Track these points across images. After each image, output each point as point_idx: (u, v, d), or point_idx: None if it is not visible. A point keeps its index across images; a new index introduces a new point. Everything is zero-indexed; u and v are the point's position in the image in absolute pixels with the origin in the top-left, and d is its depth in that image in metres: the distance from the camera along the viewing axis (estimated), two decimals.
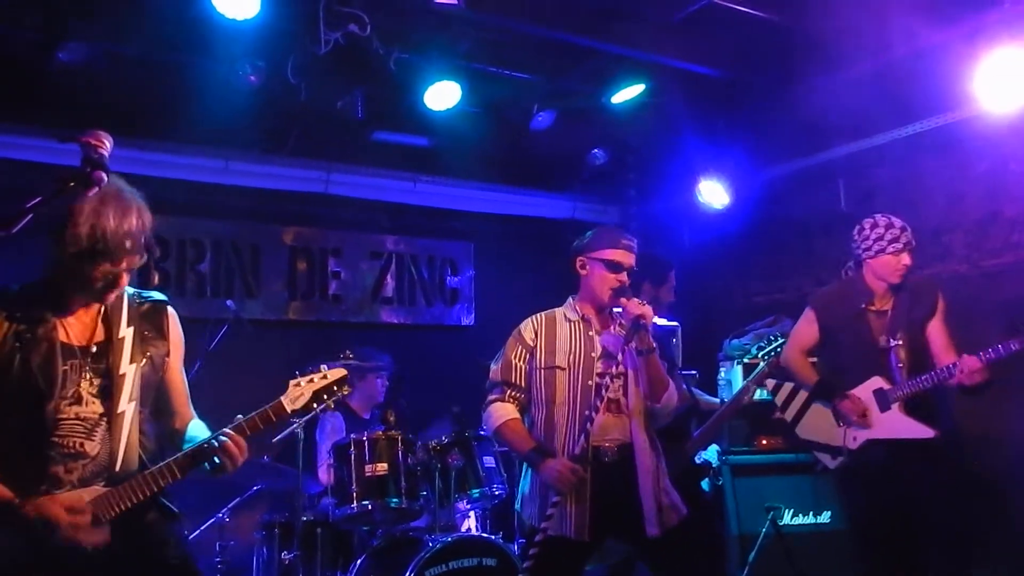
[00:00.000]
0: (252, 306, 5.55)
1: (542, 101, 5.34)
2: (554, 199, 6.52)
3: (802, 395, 4.01)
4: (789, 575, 4.62)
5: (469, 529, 4.68)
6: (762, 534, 4.69)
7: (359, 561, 4.28)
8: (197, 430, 2.46)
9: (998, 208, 4.83)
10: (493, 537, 4.30)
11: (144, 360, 2.37)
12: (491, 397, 3.17)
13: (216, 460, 2.30)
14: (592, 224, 6.57)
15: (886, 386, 3.65)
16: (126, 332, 2.35)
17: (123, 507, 2.24)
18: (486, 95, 5.25)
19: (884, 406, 3.64)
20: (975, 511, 3.83)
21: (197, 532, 4.41)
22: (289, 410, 2.38)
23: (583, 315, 3.16)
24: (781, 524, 4.75)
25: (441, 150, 5.69)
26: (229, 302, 4.81)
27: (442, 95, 4.94)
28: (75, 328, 2.31)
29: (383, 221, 6.12)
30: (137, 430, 2.33)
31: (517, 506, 3.19)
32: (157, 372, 2.43)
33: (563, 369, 3.06)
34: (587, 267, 3.15)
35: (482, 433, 4.56)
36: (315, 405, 2.41)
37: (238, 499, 4.59)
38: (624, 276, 3.09)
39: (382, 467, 4.23)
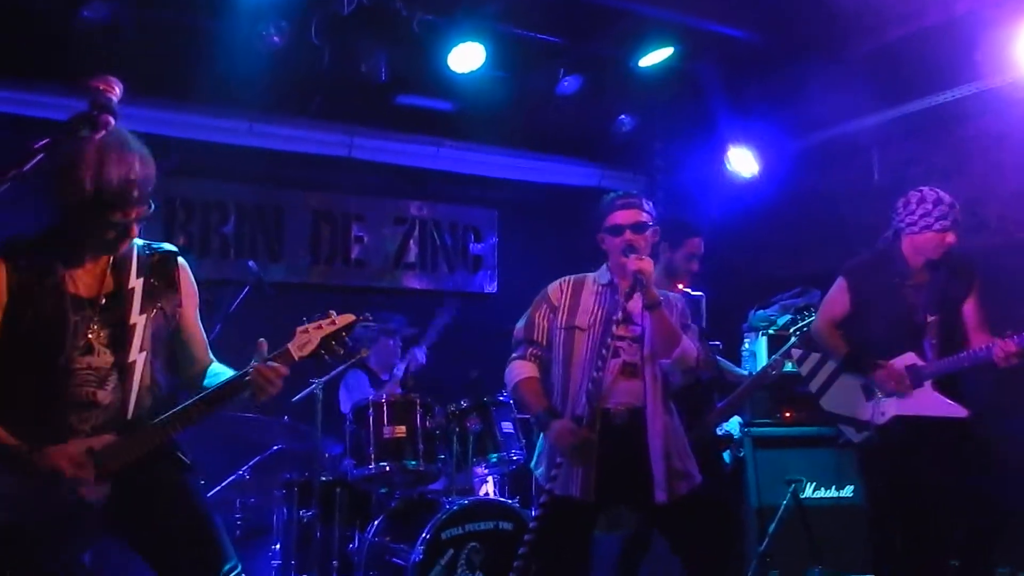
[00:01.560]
0: (275, 269, 5.58)
1: (568, 65, 5.26)
2: (580, 166, 6.44)
3: (829, 366, 3.92)
4: (809, 548, 4.58)
5: (487, 493, 4.69)
6: (782, 507, 4.64)
7: (376, 522, 4.32)
8: (218, 370, 2.47)
9: None
10: (510, 501, 4.31)
11: (155, 311, 2.37)
12: (514, 355, 3.18)
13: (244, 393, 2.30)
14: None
15: (919, 362, 3.57)
16: (135, 283, 2.35)
17: (134, 455, 2.25)
18: (511, 59, 5.19)
19: (917, 382, 3.56)
20: (1002, 493, 3.75)
21: (218, 489, 4.47)
22: (296, 356, 2.34)
23: (612, 280, 3.13)
24: (802, 497, 4.70)
25: (466, 115, 5.64)
26: (251, 263, 4.83)
27: (466, 57, 4.89)
28: (84, 279, 2.31)
29: (406, 186, 6.10)
30: (149, 379, 2.34)
31: (532, 464, 3.19)
32: (170, 323, 2.42)
33: (583, 330, 3.04)
34: (604, 240, 3.13)
35: (501, 399, 4.58)
36: (322, 351, 2.36)
37: (259, 458, 4.65)
38: (628, 234, 3.02)
39: (400, 429, 4.26)
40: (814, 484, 4.79)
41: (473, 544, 4.04)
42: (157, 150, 2.31)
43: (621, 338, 2.96)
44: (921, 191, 3.59)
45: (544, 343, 3.12)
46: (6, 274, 2.23)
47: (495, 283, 6.34)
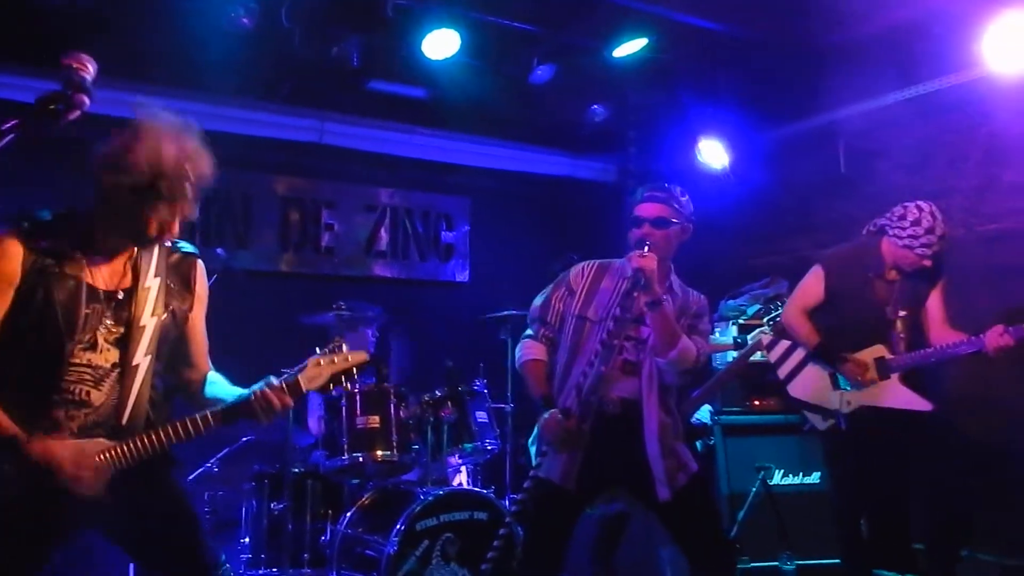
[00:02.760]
0: (243, 256, 5.47)
1: (543, 54, 5.23)
2: (552, 156, 6.42)
3: (798, 354, 3.98)
4: (778, 534, 4.65)
5: (461, 483, 4.68)
6: (752, 493, 4.70)
7: (349, 513, 4.28)
8: (216, 379, 2.43)
9: (998, 173, 4.78)
10: (485, 491, 4.30)
11: (166, 314, 2.31)
12: (527, 332, 3.19)
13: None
14: (590, 182, 6.56)
15: (888, 355, 3.65)
16: (152, 283, 2.29)
17: (132, 459, 2.18)
18: (486, 46, 5.13)
19: (884, 375, 3.65)
20: (967, 483, 3.84)
21: (187, 481, 4.38)
22: (304, 389, 2.33)
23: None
24: (771, 484, 4.76)
25: (439, 102, 5.57)
26: (219, 250, 4.73)
27: (441, 44, 4.83)
28: (103, 271, 2.24)
29: (378, 173, 6.02)
30: (149, 384, 2.27)
31: (529, 440, 3.19)
32: (178, 327, 2.36)
33: (593, 322, 3.01)
34: (630, 231, 3.08)
35: (475, 388, 4.57)
36: (331, 386, 2.36)
37: (228, 450, 4.58)
38: (646, 228, 2.97)
39: (374, 420, 4.23)
40: (782, 471, 4.85)
41: (448, 535, 4.03)
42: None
43: (628, 338, 2.96)
44: (921, 211, 3.61)
45: (556, 325, 3.12)
46: (23, 253, 2.13)
47: (467, 272, 6.30)
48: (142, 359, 2.25)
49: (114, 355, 2.23)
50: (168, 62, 4.68)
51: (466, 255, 6.31)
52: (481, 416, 4.52)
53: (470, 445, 4.43)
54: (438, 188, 6.26)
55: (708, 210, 5.78)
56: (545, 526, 3.01)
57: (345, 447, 4.18)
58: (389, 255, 6.07)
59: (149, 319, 2.26)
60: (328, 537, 4.34)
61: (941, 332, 3.67)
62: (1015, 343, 3.43)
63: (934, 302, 3.72)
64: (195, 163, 2.17)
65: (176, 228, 2.24)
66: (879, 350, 3.67)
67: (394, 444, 4.22)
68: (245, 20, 4.49)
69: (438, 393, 4.44)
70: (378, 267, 6.04)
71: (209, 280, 4.44)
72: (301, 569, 4.26)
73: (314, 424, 4.64)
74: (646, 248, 2.86)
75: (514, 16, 4.99)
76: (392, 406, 4.28)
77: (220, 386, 2.42)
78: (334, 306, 4.32)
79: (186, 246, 2.43)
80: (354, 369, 2.36)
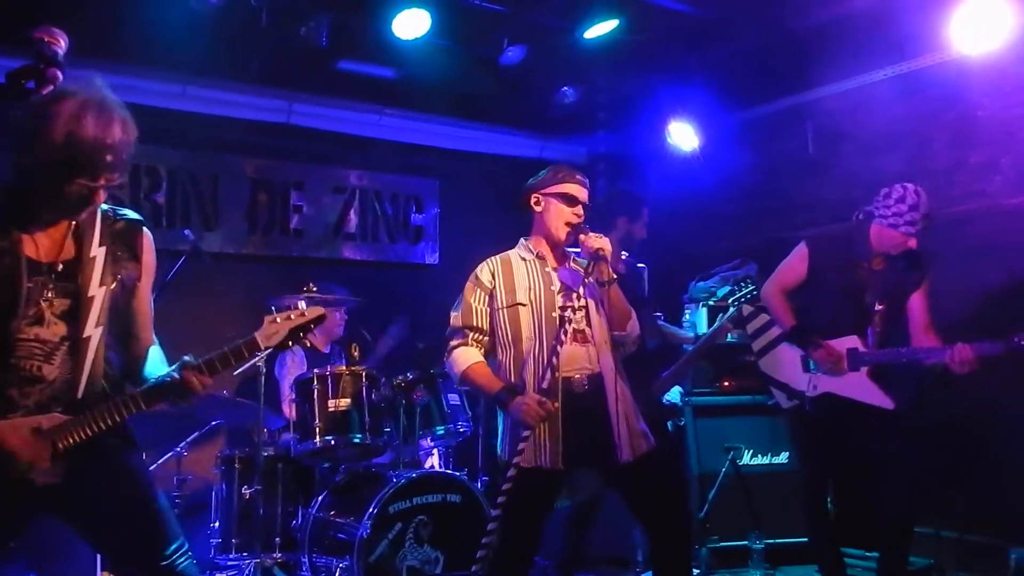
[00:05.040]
0: (211, 238, 5.40)
1: (513, 35, 5.19)
2: (522, 137, 6.39)
3: (774, 331, 4.01)
4: (747, 513, 4.71)
5: (433, 466, 4.68)
6: (721, 473, 4.77)
7: (321, 497, 4.27)
8: (156, 356, 2.39)
9: (964, 155, 4.83)
10: (457, 474, 4.30)
11: (114, 283, 2.24)
12: (454, 343, 3.13)
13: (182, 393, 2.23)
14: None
15: (861, 348, 3.64)
16: (98, 251, 2.21)
17: (84, 435, 2.14)
18: (456, 27, 5.07)
19: (854, 366, 3.63)
20: (936, 473, 3.89)
21: (154, 466, 4.33)
22: (263, 346, 2.28)
23: (538, 252, 3.14)
24: (740, 464, 4.83)
25: (408, 83, 5.51)
26: (187, 231, 4.67)
27: (411, 24, 4.77)
28: (43, 243, 2.17)
29: (347, 155, 5.94)
30: (102, 357, 2.22)
31: (498, 448, 3.15)
32: (127, 296, 2.30)
33: (525, 305, 3.05)
34: (542, 203, 3.12)
35: (447, 370, 4.54)
36: (290, 343, 2.32)
37: (197, 433, 4.53)
38: (580, 210, 3.08)
39: (345, 402, 4.21)
40: (752, 451, 4.92)
41: (421, 517, 4.04)
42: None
43: (563, 308, 2.98)
44: (905, 189, 3.61)
45: (485, 327, 3.10)
46: None
47: (437, 254, 6.27)
48: (93, 331, 2.19)
49: (62, 328, 2.17)
50: (134, 41, 4.56)
51: (435, 237, 6.28)
52: (453, 398, 4.52)
53: (442, 428, 4.44)
54: (407, 170, 6.20)
55: (679, 192, 5.90)
56: (532, 512, 3.01)
57: (317, 430, 4.16)
58: (358, 237, 6.01)
59: (97, 289, 2.20)
60: (300, 521, 4.33)
61: (923, 337, 3.64)
62: (974, 356, 3.37)
63: (918, 304, 3.68)
64: (114, 132, 2.07)
65: (101, 197, 2.17)
66: (853, 340, 3.65)
67: (366, 427, 4.21)
68: None
69: (410, 376, 4.43)
70: (347, 249, 5.98)
71: (176, 261, 4.43)
72: (272, 553, 4.24)
73: (287, 408, 4.61)
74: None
75: None
76: (364, 389, 4.26)
77: (157, 360, 2.38)
78: (303, 289, 4.28)
79: (130, 214, 2.36)
80: (311, 323, 2.33)
